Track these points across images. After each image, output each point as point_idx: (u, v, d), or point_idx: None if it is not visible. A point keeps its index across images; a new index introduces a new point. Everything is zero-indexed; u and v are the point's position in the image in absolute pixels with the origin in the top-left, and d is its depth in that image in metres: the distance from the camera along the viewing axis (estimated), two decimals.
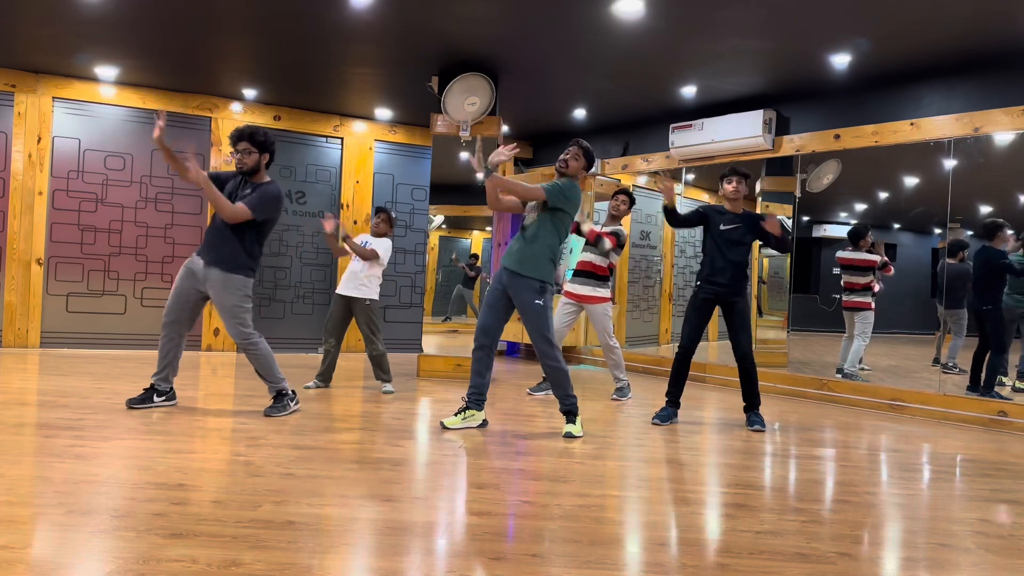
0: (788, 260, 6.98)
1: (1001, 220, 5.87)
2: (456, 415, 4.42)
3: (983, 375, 5.73)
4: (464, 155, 8.28)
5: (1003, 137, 5.53)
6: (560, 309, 5.77)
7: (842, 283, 6.72)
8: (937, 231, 6.63)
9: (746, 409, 4.89)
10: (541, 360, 4.33)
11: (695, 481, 3.52)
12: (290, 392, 4.62)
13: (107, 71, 7.09)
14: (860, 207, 7.19)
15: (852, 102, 6.39)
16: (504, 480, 3.33)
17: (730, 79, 6.37)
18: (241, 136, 4.44)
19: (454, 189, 10.28)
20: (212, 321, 7.73)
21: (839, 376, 6.44)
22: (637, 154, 8.01)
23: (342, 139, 8.38)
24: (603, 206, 8.01)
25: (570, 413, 4.36)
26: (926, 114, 5.89)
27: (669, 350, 8.03)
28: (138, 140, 7.56)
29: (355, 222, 8.35)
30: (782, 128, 6.80)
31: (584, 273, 5.72)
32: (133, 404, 4.47)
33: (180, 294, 4.44)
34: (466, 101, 6.31)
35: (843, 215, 7.23)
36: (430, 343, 8.73)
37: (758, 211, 6.04)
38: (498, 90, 6.45)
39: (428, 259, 9.93)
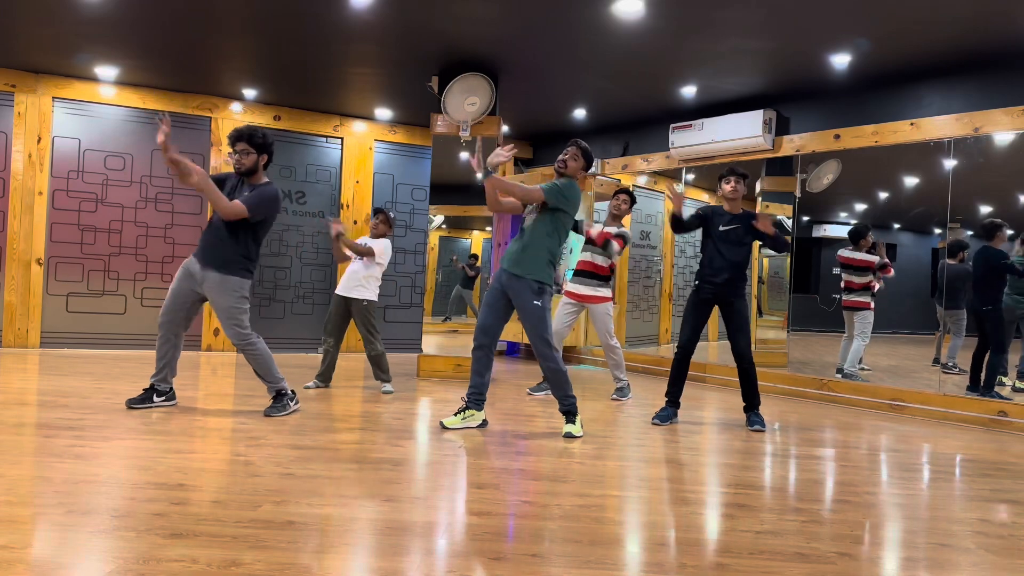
0: (788, 260, 6.98)
1: (1000, 220, 5.87)
2: (456, 415, 4.42)
3: (983, 375, 5.73)
4: (464, 155, 8.28)
5: (1003, 137, 5.53)
6: (561, 309, 5.77)
7: (842, 283, 6.73)
8: (937, 231, 6.63)
9: (746, 409, 4.89)
10: (540, 361, 4.33)
11: (695, 481, 3.52)
12: (289, 392, 4.62)
13: (107, 71, 7.09)
14: (860, 207, 7.19)
15: (852, 102, 6.40)
16: (504, 480, 3.33)
17: (730, 79, 6.37)
18: (239, 136, 4.44)
19: (454, 189, 10.28)
20: (212, 321, 7.73)
21: (839, 376, 6.44)
22: (637, 154, 8.01)
23: (342, 139, 8.38)
24: (603, 206, 8.01)
25: (570, 413, 4.36)
26: (926, 114, 5.89)
27: (669, 350, 8.03)
28: (138, 140, 7.57)
29: (355, 222, 8.35)
30: (782, 128, 6.80)
31: (585, 273, 5.72)
32: (133, 404, 4.47)
33: (177, 295, 4.43)
34: (466, 101, 6.31)
35: (843, 215, 7.23)
36: (430, 343, 8.73)
37: (757, 211, 6.03)
38: (498, 90, 6.45)
39: (428, 259, 9.93)
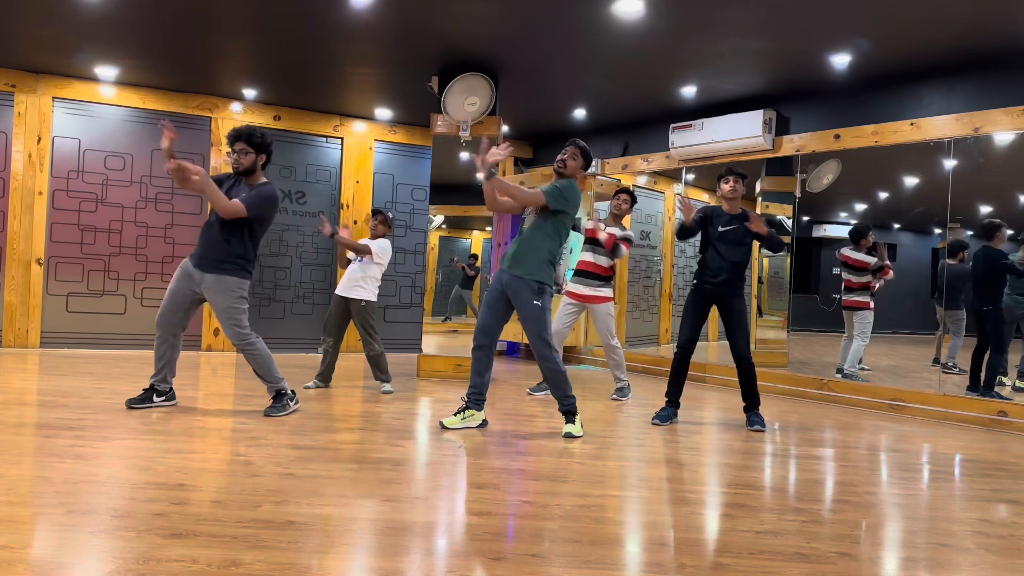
0: (788, 260, 6.98)
1: (1000, 220, 5.88)
2: (456, 415, 4.42)
3: (983, 375, 5.73)
4: (464, 155, 8.29)
5: (1003, 137, 5.53)
6: (562, 309, 5.77)
7: (842, 283, 6.73)
8: (937, 231, 6.64)
9: (746, 409, 4.89)
10: (539, 362, 4.33)
11: (695, 481, 3.52)
12: (289, 392, 4.62)
13: (107, 71, 7.09)
14: (860, 207, 7.19)
15: (852, 102, 6.39)
16: (504, 480, 3.33)
17: (730, 79, 6.37)
18: (238, 136, 4.44)
19: (454, 189, 10.29)
20: (212, 321, 7.73)
21: (839, 376, 6.44)
22: (637, 154, 8.01)
23: (342, 139, 8.38)
24: (603, 206, 8.01)
25: (569, 413, 4.36)
26: (926, 114, 5.89)
27: (669, 350, 8.03)
28: (138, 140, 7.57)
29: (355, 222, 8.35)
30: (782, 128, 6.80)
31: (586, 273, 5.72)
32: (133, 404, 4.47)
33: (175, 295, 4.43)
34: (466, 101, 6.31)
35: (843, 215, 7.23)
36: (430, 343, 8.73)
37: (757, 211, 6.04)
38: (498, 90, 6.45)
39: (428, 259, 9.93)
